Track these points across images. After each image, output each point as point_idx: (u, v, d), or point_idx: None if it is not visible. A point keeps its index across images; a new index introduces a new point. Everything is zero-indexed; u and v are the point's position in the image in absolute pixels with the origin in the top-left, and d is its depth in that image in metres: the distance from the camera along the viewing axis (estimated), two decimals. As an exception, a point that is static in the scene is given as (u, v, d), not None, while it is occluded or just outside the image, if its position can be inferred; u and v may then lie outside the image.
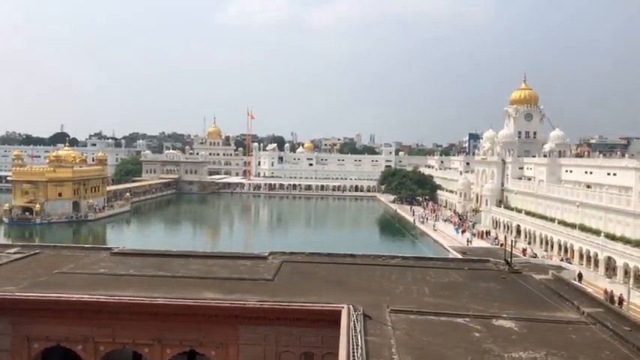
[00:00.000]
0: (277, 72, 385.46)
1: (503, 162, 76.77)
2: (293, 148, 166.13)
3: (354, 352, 11.47)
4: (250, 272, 18.73)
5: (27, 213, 76.83)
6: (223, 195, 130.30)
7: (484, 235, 66.42)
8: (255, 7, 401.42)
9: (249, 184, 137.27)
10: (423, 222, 79.99)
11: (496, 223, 71.08)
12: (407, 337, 13.21)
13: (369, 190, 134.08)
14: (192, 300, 14.71)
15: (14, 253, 20.62)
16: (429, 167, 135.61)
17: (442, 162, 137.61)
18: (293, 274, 18.98)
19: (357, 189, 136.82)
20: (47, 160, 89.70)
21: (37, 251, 21.26)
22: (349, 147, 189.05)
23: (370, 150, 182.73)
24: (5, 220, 75.65)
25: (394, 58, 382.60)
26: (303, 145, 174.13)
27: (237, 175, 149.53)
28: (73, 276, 17.27)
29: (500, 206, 72.35)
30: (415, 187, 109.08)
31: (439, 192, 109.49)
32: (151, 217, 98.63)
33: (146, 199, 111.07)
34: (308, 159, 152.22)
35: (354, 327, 12.96)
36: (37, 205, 76.24)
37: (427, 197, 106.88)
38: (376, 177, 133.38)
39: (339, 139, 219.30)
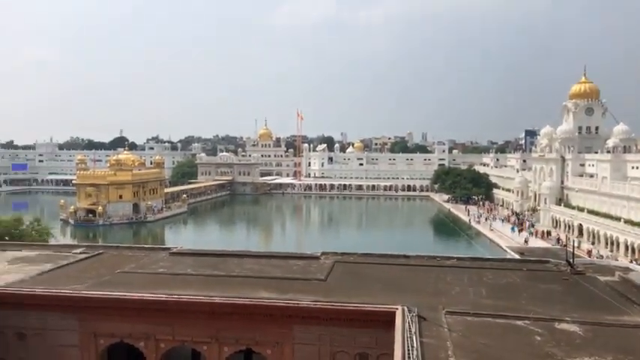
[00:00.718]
0: (326, 72, 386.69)
1: (563, 159, 73.85)
2: (343, 148, 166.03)
3: (409, 354, 11.33)
4: (303, 272, 18.85)
5: (90, 215, 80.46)
6: (275, 196, 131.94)
7: (545, 235, 64.09)
8: (304, 8, 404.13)
9: (300, 185, 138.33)
10: (478, 221, 78.15)
11: (556, 223, 68.42)
12: (464, 339, 12.93)
13: (421, 190, 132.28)
14: (247, 299, 14.95)
15: (80, 253, 21.61)
16: (483, 165, 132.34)
17: (497, 160, 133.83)
18: (346, 275, 18.95)
19: (409, 188, 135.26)
20: (108, 164, 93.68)
21: (100, 251, 22.18)
22: (400, 146, 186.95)
23: (422, 149, 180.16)
24: (71, 221, 79.56)
25: (444, 55, 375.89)
26: (353, 144, 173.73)
27: (287, 176, 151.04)
28: (135, 275, 17.92)
29: (560, 205, 69.62)
30: (470, 185, 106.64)
31: (495, 191, 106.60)
32: (207, 218, 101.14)
33: (202, 201, 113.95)
34: (358, 159, 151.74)
35: (409, 328, 12.79)
36: (100, 207, 79.70)
37: (482, 196, 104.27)
38: (429, 176, 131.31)
39: (389, 138, 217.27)
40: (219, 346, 14.86)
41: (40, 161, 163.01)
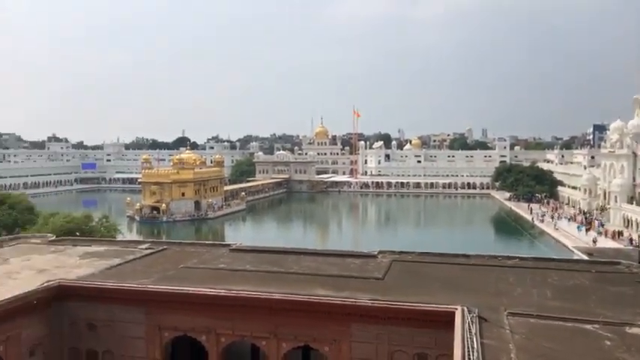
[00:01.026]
0: (383, 68, 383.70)
1: (635, 155, 69.87)
2: (400, 146, 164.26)
3: (469, 355, 11.05)
4: (360, 270, 18.79)
5: (155, 212, 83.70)
6: (331, 194, 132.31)
7: (616, 235, 60.85)
8: (361, 3, 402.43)
9: (357, 183, 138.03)
10: (542, 220, 75.30)
11: (628, 222, 64.81)
12: (527, 342, 12.48)
13: (481, 188, 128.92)
14: (305, 296, 15.06)
15: (145, 248, 22.44)
16: (547, 162, 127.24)
17: (563, 156, 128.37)
18: (403, 274, 18.73)
19: (468, 186, 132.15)
20: (171, 163, 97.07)
21: (164, 247, 22.94)
22: (459, 143, 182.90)
23: (482, 145, 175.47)
24: (137, 218, 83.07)
25: (505, 47, 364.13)
26: (410, 142, 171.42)
27: (344, 174, 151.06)
28: (197, 270, 18.44)
29: (632, 203, 65.89)
30: (533, 183, 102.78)
31: (560, 188, 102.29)
32: (264, 215, 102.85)
33: (259, 198, 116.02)
34: (416, 156, 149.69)
35: (469, 329, 12.49)
36: (164, 205, 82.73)
37: (546, 194, 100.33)
38: (489, 173, 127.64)
39: (448, 135, 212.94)
40: (278, 342, 15.06)
41: (108, 161, 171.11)
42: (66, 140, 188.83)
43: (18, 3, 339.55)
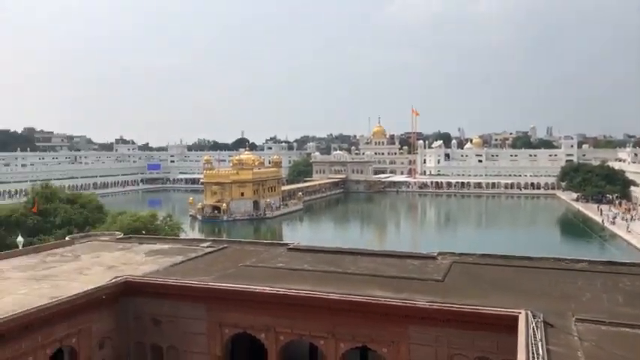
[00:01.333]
0: (441, 66, 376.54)
1: None
2: (460, 145, 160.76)
3: (534, 362, 10.61)
4: (419, 272, 18.47)
5: (216, 211, 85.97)
6: (389, 194, 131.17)
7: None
8: (421, 2, 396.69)
9: (415, 183, 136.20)
10: (613, 222, 71.49)
11: None
12: (597, 350, 11.83)
13: (546, 188, 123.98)
14: (363, 297, 14.96)
15: (207, 247, 23.04)
16: (619, 161, 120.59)
17: (636, 155, 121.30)
18: (464, 276, 18.25)
19: (532, 186, 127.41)
20: (231, 164, 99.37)
21: (225, 246, 23.45)
22: (523, 141, 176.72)
23: (547, 144, 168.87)
24: (199, 217, 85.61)
25: (571, 43, 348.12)
26: (471, 141, 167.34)
27: (402, 173, 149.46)
28: (256, 269, 18.72)
29: None
30: (602, 183, 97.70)
31: (633, 189, 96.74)
32: (321, 215, 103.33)
33: (316, 198, 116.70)
34: (477, 155, 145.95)
35: (534, 334, 11.98)
36: (224, 204, 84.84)
37: (618, 195, 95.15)
38: (555, 173, 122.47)
39: (510, 134, 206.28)
40: (336, 342, 15.04)
41: (172, 162, 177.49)
42: (133, 142, 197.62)
43: (95, 12, 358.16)
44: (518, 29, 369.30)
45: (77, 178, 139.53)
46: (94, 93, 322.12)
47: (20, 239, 31.88)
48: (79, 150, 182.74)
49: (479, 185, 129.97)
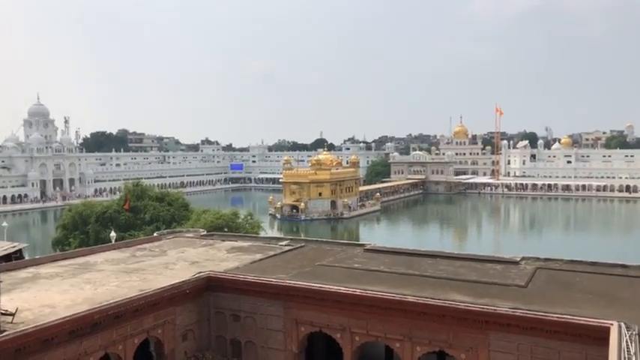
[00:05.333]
0: (528, 63, 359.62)
1: None
2: (547, 145, 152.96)
3: (628, 378, 9.91)
4: (500, 277, 17.78)
5: (294, 210, 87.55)
6: (470, 195, 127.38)
7: None
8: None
9: (498, 184, 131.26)
10: None
11: None
12: (701, 368, 10.83)
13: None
14: (441, 301, 14.64)
15: (285, 245, 23.53)
16: None
17: None
18: (549, 283, 17.34)
19: (627, 189, 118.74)
20: (309, 164, 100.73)
21: (302, 244, 23.84)
22: (617, 141, 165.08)
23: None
24: (278, 216, 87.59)
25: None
26: (559, 140, 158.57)
27: (484, 175, 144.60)
28: (332, 268, 18.86)
29: None
30: None
31: None
32: (399, 216, 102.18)
33: (394, 199, 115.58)
34: (566, 156, 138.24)
35: (627, 347, 11.17)
36: (302, 204, 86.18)
37: None
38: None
39: (604, 133, 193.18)
40: (412, 346, 14.82)
41: (253, 162, 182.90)
42: (217, 143, 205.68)
43: (178, 21, 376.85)
44: (610, 21, 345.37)
45: (165, 177, 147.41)
46: (181, 96, 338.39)
47: (113, 234, 34.23)
48: (168, 150, 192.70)
49: (567, 187, 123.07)
